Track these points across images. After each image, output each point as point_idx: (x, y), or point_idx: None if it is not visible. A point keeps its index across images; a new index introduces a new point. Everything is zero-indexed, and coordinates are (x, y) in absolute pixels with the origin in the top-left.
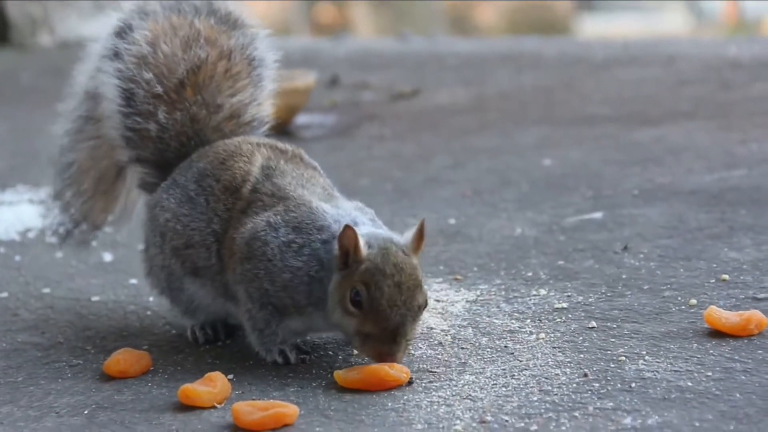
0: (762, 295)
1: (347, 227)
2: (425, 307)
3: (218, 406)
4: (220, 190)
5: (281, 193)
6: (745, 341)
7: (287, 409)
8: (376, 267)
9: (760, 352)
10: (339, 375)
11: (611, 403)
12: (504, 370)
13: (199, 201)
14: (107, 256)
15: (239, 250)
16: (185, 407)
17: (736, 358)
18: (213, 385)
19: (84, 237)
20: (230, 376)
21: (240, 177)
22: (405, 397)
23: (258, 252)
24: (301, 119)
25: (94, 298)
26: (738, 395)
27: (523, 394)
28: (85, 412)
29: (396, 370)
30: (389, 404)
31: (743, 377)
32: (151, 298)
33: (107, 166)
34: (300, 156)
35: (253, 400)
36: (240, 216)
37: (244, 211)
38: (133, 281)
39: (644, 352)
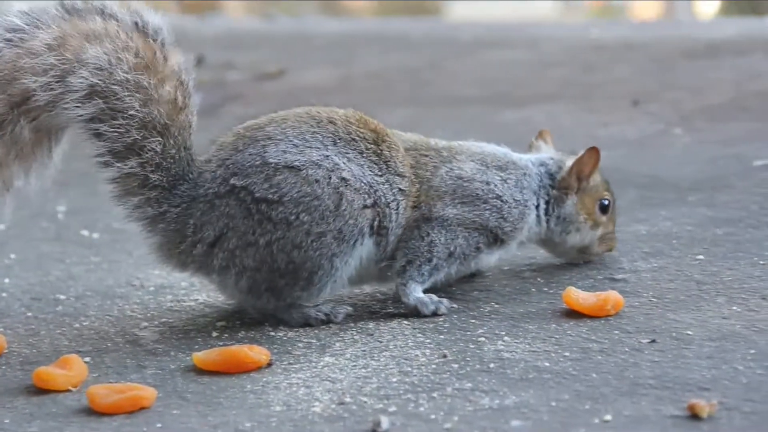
0: (619, 276)
1: (594, 149)
2: None
3: (74, 389)
4: (388, 150)
5: (429, 144)
6: (602, 322)
7: (144, 391)
8: (601, 176)
9: (616, 332)
10: (198, 357)
11: (470, 384)
12: (364, 351)
13: (365, 163)
14: None
15: (451, 192)
16: (40, 390)
17: (593, 338)
18: (69, 368)
19: None
20: (87, 359)
21: (395, 137)
22: (264, 379)
23: (483, 192)
24: None
25: None
26: (594, 375)
27: (383, 375)
28: None
29: (256, 352)
30: (248, 386)
31: (600, 357)
32: (7, 280)
33: None
34: None
35: (110, 383)
36: (414, 170)
37: (415, 167)
38: None
39: (503, 333)
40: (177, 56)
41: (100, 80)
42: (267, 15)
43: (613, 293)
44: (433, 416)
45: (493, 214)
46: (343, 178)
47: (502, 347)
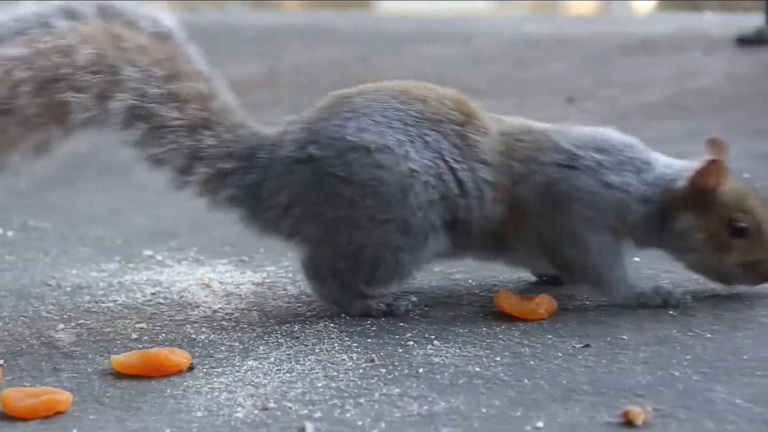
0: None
1: (715, 161)
2: None
3: None
4: (472, 134)
5: (529, 127)
6: (535, 325)
7: (60, 395)
8: (744, 192)
9: (549, 336)
10: (116, 360)
11: (398, 389)
12: (289, 355)
13: (446, 147)
14: None
15: (540, 206)
16: None
17: (526, 342)
18: None
19: None
20: (0, 362)
21: (485, 120)
22: (185, 384)
23: (565, 192)
24: None
25: None
26: (526, 380)
27: (308, 380)
28: None
29: (176, 356)
30: (168, 391)
31: (532, 362)
32: None
33: None
34: None
35: (24, 386)
36: (503, 159)
37: (506, 155)
38: None
39: (433, 337)
40: (190, 49)
41: (137, 102)
42: (191, 7)
43: (546, 296)
44: (359, 422)
45: (586, 206)
46: (411, 169)
47: (431, 351)
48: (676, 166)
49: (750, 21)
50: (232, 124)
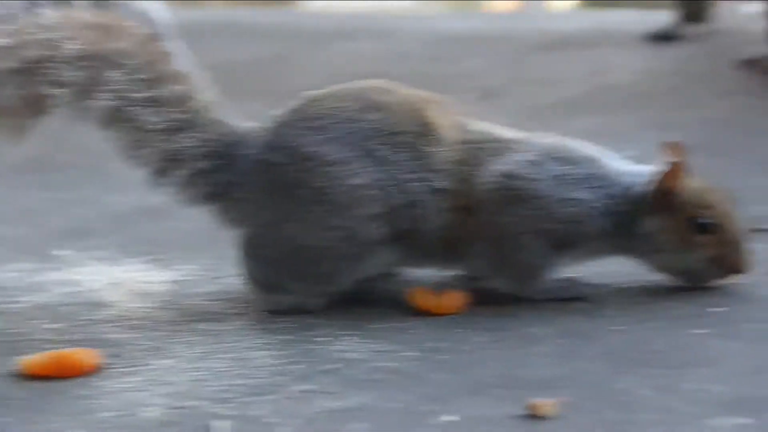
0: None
1: (675, 164)
2: None
3: None
4: (428, 145)
5: (494, 136)
6: (448, 320)
7: None
8: (702, 189)
9: (461, 330)
10: (26, 362)
11: (311, 386)
12: (204, 353)
13: (398, 159)
14: None
15: (495, 197)
16: None
17: (438, 337)
18: None
19: None
20: None
21: (445, 130)
22: (97, 384)
23: (527, 191)
24: None
25: None
26: (438, 375)
27: (223, 378)
28: None
29: (88, 356)
30: (79, 392)
31: (444, 356)
32: None
33: None
34: None
35: None
36: (460, 167)
37: (465, 162)
38: None
39: (347, 333)
40: (177, 47)
41: (119, 104)
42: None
43: (459, 291)
44: (273, 419)
45: (540, 216)
46: (361, 183)
47: (345, 348)
48: (642, 172)
49: (662, 18)
50: (211, 122)
